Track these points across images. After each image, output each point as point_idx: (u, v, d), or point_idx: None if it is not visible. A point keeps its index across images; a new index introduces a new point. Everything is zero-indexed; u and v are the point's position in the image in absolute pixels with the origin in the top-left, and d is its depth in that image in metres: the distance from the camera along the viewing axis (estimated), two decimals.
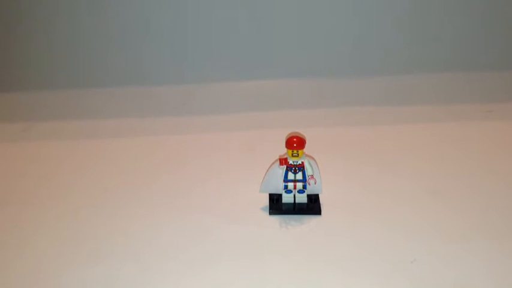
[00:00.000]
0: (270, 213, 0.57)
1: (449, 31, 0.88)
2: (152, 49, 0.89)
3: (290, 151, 0.54)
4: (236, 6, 0.87)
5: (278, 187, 0.57)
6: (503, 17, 0.88)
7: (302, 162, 0.55)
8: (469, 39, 0.88)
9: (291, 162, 0.55)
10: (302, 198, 0.57)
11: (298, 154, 0.54)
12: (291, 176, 0.56)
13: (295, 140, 0.54)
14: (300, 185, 0.56)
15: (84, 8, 0.87)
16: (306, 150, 0.55)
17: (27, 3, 0.87)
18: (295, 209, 0.57)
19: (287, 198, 0.57)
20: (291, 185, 0.56)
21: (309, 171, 0.55)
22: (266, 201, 0.58)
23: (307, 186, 0.56)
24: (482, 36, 0.88)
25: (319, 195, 0.58)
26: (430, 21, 0.88)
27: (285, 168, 0.55)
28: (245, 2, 0.87)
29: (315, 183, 0.56)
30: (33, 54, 0.89)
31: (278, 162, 0.56)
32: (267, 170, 0.57)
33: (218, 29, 0.88)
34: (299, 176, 0.56)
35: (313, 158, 0.56)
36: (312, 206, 0.57)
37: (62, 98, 0.85)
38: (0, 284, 0.48)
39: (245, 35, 0.88)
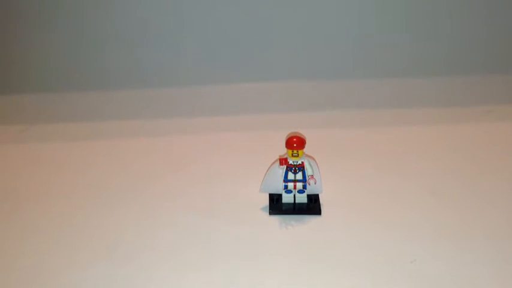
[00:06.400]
0: (270, 213, 0.57)
1: (450, 34, 0.88)
2: (152, 51, 0.89)
3: (290, 151, 0.54)
4: (236, 7, 0.87)
5: (278, 187, 0.57)
6: (505, 19, 0.88)
7: (302, 162, 0.55)
8: (469, 42, 0.88)
9: (291, 162, 0.55)
10: (302, 198, 0.57)
11: (298, 154, 0.54)
12: (291, 176, 0.56)
13: (295, 140, 0.54)
14: (300, 185, 0.56)
15: (84, 10, 0.87)
16: (306, 150, 0.55)
17: (26, 5, 0.87)
18: (295, 209, 0.57)
19: (287, 198, 0.57)
20: (291, 185, 0.56)
21: (309, 171, 0.55)
22: (266, 201, 0.58)
23: (307, 186, 0.56)
24: (483, 39, 0.88)
25: (319, 195, 0.58)
26: (431, 24, 0.88)
27: (285, 168, 0.55)
28: (245, 4, 0.87)
29: (315, 183, 0.56)
30: (32, 57, 0.89)
31: (278, 162, 0.56)
32: (267, 170, 0.58)
33: (218, 31, 0.88)
34: (299, 176, 0.55)
35: (313, 158, 0.56)
36: (312, 206, 0.57)
37: (62, 99, 0.85)
38: (0, 285, 0.48)
39: (245, 37, 0.88)
